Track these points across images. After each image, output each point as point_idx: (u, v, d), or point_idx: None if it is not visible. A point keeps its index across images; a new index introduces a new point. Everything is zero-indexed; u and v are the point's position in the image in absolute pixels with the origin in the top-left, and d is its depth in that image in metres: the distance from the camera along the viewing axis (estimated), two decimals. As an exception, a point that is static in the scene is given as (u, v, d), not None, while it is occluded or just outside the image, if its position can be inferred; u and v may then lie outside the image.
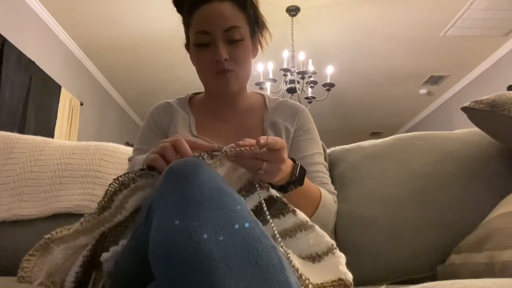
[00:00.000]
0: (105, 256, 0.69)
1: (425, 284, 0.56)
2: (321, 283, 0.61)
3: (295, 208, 0.70)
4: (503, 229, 0.78)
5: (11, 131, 1.34)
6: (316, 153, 1.01)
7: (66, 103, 4.02)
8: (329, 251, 0.66)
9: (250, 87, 1.09)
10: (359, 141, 1.25)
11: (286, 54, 3.66)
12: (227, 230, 0.48)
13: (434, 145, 1.14)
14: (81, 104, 4.37)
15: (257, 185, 0.70)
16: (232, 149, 0.68)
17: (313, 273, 0.62)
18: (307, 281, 0.58)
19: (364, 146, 1.21)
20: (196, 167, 0.56)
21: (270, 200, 0.70)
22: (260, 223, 0.52)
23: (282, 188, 0.77)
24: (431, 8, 3.64)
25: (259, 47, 1.03)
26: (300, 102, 1.16)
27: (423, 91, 5.48)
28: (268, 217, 0.66)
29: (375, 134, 7.28)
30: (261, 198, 0.68)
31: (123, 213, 0.72)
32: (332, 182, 1.02)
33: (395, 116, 6.54)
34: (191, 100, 1.09)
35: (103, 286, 0.72)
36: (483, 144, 1.11)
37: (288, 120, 1.03)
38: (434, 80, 5.16)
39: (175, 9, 0.99)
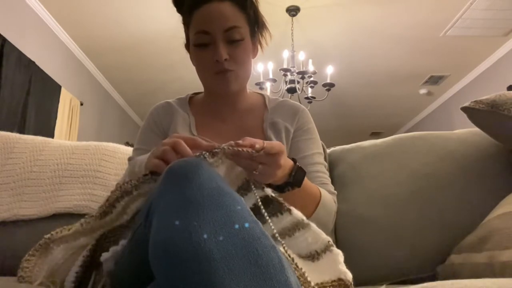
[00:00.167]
0: (105, 256, 0.69)
1: (425, 284, 0.56)
2: (321, 283, 0.61)
3: (290, 207, 0.70)
4: (503, 229, 0.78)
5: (11, 131, 1.34)
6: (316, 153, 1.01)
7: (66, 103, 4.02)
8: (326, 248, 0.66)
9: (250, 87, 1.09)
10: (359, 141, 1.25)
11: (286, 54, 3.66)
12: (227, 230, 0.48)
13: (434, 145, 1.14)
14: (81, 104, 4.37)
15: (252, 184, 0.70)
16: (231, 147, 0.68)
17: (313, 273, 0.62)
18: (308, 279, 0.58)
19: (364, 146, 1.21)
20: (196, 167, 0.56)
21: (266, 199, 0.71)
22: (260, 223, 0.52)
23: (278, 188, 0.77)
24: (431, 8, 3.64)
25: (259, 47, 1.03)
26: (300, 102, 1.16)
27: (423, 91, 5.48)
28: (266, 216, 0.66)
29: (375, 134, 7.28)
30: (257, 197, 0.69)
31: (125, 218, 0.72)
32: (332, 182, 1.02)
33: (395, 116, 6.54)
34: (191, 100, 1.09)
35: (103, 286, 0.72)
36: (483, 144, 1.11)
37: (288, 120, 1.03)
38: (434, 80, 5.16)
39: (175, 9, 0.99)
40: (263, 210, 0.66)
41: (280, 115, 1.03)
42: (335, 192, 1.00)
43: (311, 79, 3.78)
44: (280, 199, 0.71)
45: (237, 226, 0.49)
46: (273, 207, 0.71)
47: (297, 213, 0.70)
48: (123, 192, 0.70)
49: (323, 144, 1.13)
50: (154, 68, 4.79)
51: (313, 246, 0.67)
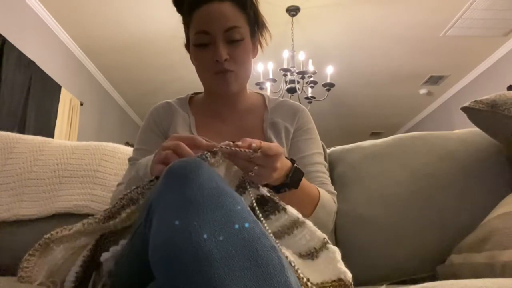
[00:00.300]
0: (105, 256, 0.69)
1: (425, 284, 0.56)
2: (321, 283, 0.61)
3: (286, 206, 0.70)
4: (503, 229, 0.78)
5: (11, 131, 1.34)
6: (316, 153, 1.01)
7: (66, 103, 4.02)
8: (322, 245, 0.66)
9: (250, 87, 1.09)
10: (359, 141, 1.25)
11: (286, 54, 3.66)
12: (227, 230, 0.48)
13: (434, 145, 1.14)
14: (81, 104, 4.37)
15: (247, 184, 0.71)
16: (228, 147, 0.68)
17: (312, 273, 0.62)
18: (306, 281, 0.58)
19: (364, 146, 1.21)
20: (196, 167, 0.56)
21: (262, 199, 0.71)
22: (260, 223, 0.52)
23: (275, 189, 0.77)
24: (431, 8, 3.64)
25: (259, 47, 1.03)
26: (300, 102, 1.16)
27: (423, 91, 5.48)
28: (260, 216, 0.66)
29: (375, 134, 7.28)
30: (252, 197, 0.69)
31: (128, 223, 0.72)
32: (332, 182, 1.02)
33: (395, 116, 6.54)
34: (191, 100, 1.09)
35: (103, 286, 0.72)
36: (483, 144, 1.11)
37: (287, 120, 1.03)
38: (434, 80, 5.16)
39: (175, 9, 0.99)
40: (258, 211, 0.66)
41: (280, 115, 1.03)
42: (335, 192, 1.00)
43: (311, 79, 3.78)
44: (276, 198, 0.71)
45: (237, 226, 0.49)
46: (270, 206, 0.71)
47: (292, 211, 0.70)
48: (129, 200, 0.70)
49: (323, 144, 1.13)
50: (154, 68, 4.79)
51: (311, 243, 0.68)
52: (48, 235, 0.73)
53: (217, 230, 0.48)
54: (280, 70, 3.68)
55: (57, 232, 0.73)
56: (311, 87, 3.91)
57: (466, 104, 1.02)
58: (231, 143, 0.69)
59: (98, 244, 0.74)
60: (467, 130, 1.19)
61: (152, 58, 4.55)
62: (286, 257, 0.61)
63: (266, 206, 0.70)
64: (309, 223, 0.69)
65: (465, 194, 1.03)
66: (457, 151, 1.11)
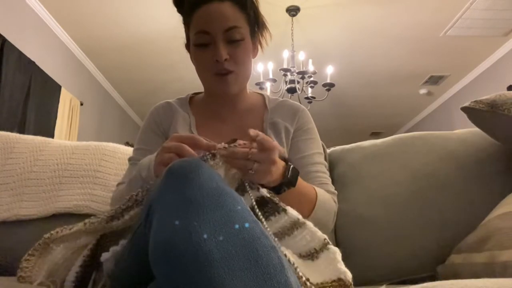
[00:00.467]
0: (105, 256, 0.69)
1: (425, 284, 0.56)
2: (321, 283, 0.61)
3: (286, 207, 0.71)
4: (503, 229, 0.78)
5: (11, 131, 1.34)
6: (316, 153, 1.01)
7: (66, 103, 4.02)
8: (323, 246, 0.66)
9: (250, 87, 1.09)
10: (359, 141, 1.25)
11: (286, 54, 3.66)
12: (227, 230, 0.48)
13: (434, 145, 1.14)
14: (81, 104, 4.37)
15: (247, 185, 0.71)
16: (225, 147, 0.68)
17: (312, 273, 0.62)
18: (306, 281, 0.58)
19: (364, 146, 1.21)
20: (196, 167, 0.56)
21: (262, 200, 0.71)
22: (260, 223, 0.52)
23: (275, 190, 0.77)
24: (431, 8, 3.64)
25: (259, 47, 1.03)
26: (300, 102, 1.16)
27: (423, 91, 5.48)
28: (261, 218, 0.66)
29: (375, 134, 7.28)
30: (252, 199, 0.69)
31: (129, 224, 0.72)
32: (332, 182, 1.02)
33: (395, 116, 6.54)
34: (191, 100, 1.09)
35: (103, 286, 0.72)
36: (483, 144, 1.11)
37: (287, 120, 1.03)
38: (434, 80, 5.16)
39: (175, 9, 0.99)
40: (258, 212, 0.66)
41: (280, 115, 1.03)
42: (335, 192, 1.00)
43: (311, 79, 3.78)
44: (276, 199, 0.71)
45: (237, 226, 0.49)
46: (270, 207, 0.71)
47: (292, 212, 0.70)
48: (133, 202, 0.70)
49: (323, 144, 1.13)
50: (154, 68, 4.79)
51: (311, 244, 0.67)
52: (47, 235, 0.73)
53: (217, 230, 0.48)
54: (280, 70, 3.68)
55: (57, 232, 0.73)
56: (311, 87, 3.91)
57: (466, 104, 1.02)
58: (226, 145, 0.69)
59: (98, 244, 0.74)
60: (467, 130, 1.19)
61: (152, 58, 4.55)
62: (286, 256, 0.61)
63: (266, 208, 0.70)
64: (309, 224, 0.69)
65: (465, 194, 1.03)
66: (457, 151, 1.11)
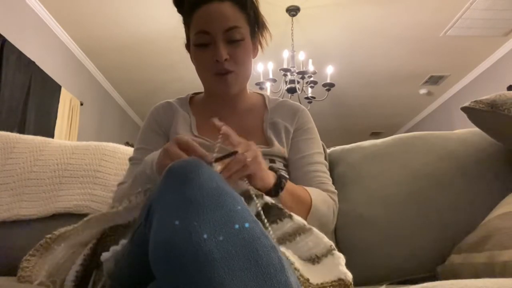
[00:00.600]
0: (105, 255, 0.69)
1: (425, 284, 0.56)
2: (321, 283, 0.61)
3: (291, 213, 0.71)
4: (503, 229, 0.78)
5: (11, 131, 1.34)
6: (316, 153, 1.01)
7: (66, 103, 4.02)
8: (328, 252, 0.66)
9: (250, 87, 1.09)
10: (359, 141, 1.25)
11: (286, 54, 3.66)
12: (227, 230, 0.48)
13: (434, 145, 1.14)
14: (81, 104, 4.37)
15: (253, 194, 0.71)
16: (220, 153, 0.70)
17: (313, 274, 0.62)
18: (306, 281, 0.58)
19: (364, 146, 1.21)
20: (196, 167, 0.56)
21: (266, 207, 0.71)
22: (260, 223, 0.52)
23: (271, 194, 0.78)
24: (431, 8, 3.64)
25: (259, 47, 1.03)
26: (300, 102, 1.16)
27: (423, 91, 5.48)
28: (267, 224, 0.66)
29: (375, 134, 7.28)
30: (259, 207, 0.69)
31: (128, 218, 0.72)
32: (332, 182, 1.02)
33: (395, 116, 6.54)
34: (192, 100, 1.09)
35: (103, 286, 0.72)
36: (483, 144, 1.11)
37: (287, 120, 1.03)
38: (434, 80, 5.16)
39: (175, 9, 0.99)
40: (265, 219, 0.67)
41: (280, 115, 1.03)
42: (336, 191, 1.00)
43: (311, 79, 3.78)
44: (280, 205, 0.72)
45: (237, 226, 0.49)
46: (273, 214, 0.71)
47: (298, 219, 0.70)
48: (140, 191, 0.71)
49: (323, 144, 1.13)
50: (154, 68, 4.79)
51: (313, 250, 0.67)
52: (49, 235, 0.73)
53: (217, 230, 0.48)
54: (280, 70, 3.68)
55: (59, 231, 0.73)
56: (311, 87, 3.91)
57: (466, 104, 1.02)
58: (218, 147, 0.71)
59: (98, 243, 0.74)
60: (467, 130, 1.19)
61: (152, 58, 4.55)
62: (286, 257, 0.61)
63: (269, 215, 0.71)
64: (316, 230, 0.69)
65: (465, 194, 1.03)
66: (457, 151, 1.11)
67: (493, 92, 1.06)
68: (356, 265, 0.73)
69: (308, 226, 0.70)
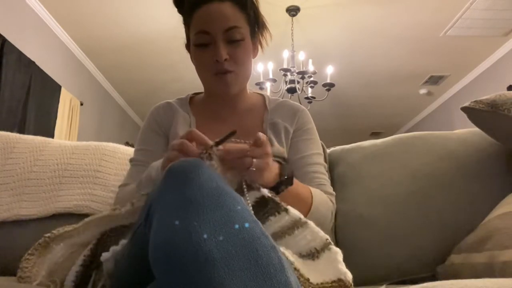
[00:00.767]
0: (105, 256, 0.69)
1: (425, 284, 0.56)
2: (321, 283, 0.61)
3: (287, 206, 0.71)
4: (503, 229, 0.78)
5: (11, 131, 1.34)
6: (315, 154, 1.01)
7: (66, 103, 4.02)
8: (325, 246, 0.66)
9: (250, 87, 1.09)
10: (359, 141, 1.25)
11: (286, 54, 3.66)
12: (227, 230, 0.48)
13: (434, 145, 1.14)
14: (81, 104, 4.37)
15: (244, 187, 0.71)
16: (221, 147, 0.69)
17: (313, 273, 0.62)
18: (306, 281, 0.58)
19: (364, 146, 1.21)
20: (196, 167, 0.56)
21: (262, 200, 0.71)
22: (260, 223, 0.52)
23: (273, 190, 0.78)
24: (431, 8, 3.64)
25: (259, 47, 1.03)
26: (300, 102, 1.16)
27: (423, 91, 5.48)
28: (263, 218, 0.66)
29: (375, 134, 7.28)
30: (249, 202, 0.69)
31: (129, 220, 0.72)
32: (332, 182, 1.02)
33: (395, 116, 6.54)
34: (192, 100, 1.09)
35: (103, 286, 0.72)
36: (483, 144, 1.11)
37: (287, 121, 1.03)
38: (434, 80, 5.16)
39: (175, 9, 0.99)
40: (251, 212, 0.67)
41: (280, 116, 1.03)
42: (334, 193, 1.00)
43: (311, 79, 3.78)
44: (277, 198, 0.71)
45: (237, 226, 0.49)
46: (270, 208, 0.71)
47: (294, 212, 0.70)
48: (144, 194, 0.71)
49: (323, 144, 1.13)
50: (154, 68, 4.79)
51: (312, 244, 0.67)
52: (48, 234, 0.73)
53: (217, 230, 0.48)
54: (280, 70, 3.68)
55: (58, 231, 0.73)
56: (311, 87, 3.91)
57: (466, 104, 1.02)
58: (218, 140, 0.70)
59: (98, 243, 0.74)
60: (467, 130, 1.19)
61: (152, 58, 4.55)
62: (286, 257, 0.61)
63: (266, 208, 0.70)
64: (311, 223, 0.69)
65: (465, 194, 1.03)
66: (457, 151, 1.11)
67: (493, 92, 1.06)
68: (356, 265, 0.73)
69: (303, 219, 0.70)
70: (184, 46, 1.02)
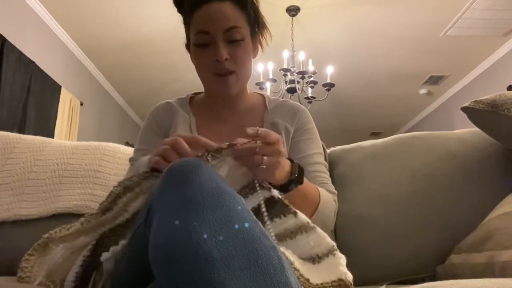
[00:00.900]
0: (105, 256, 0.70)
1: (425, 284, 0.56)
2: (321, 283, 0.61)
3: (296, 210, 0.70)
4: (503, 229, 0.78)
5: (11, 131, 1.34)
6: (316, 153, 1.01)
7: (66, 103, 4.02)
8: (329, 252, 0.66)
9: (250, 87, 1.09)
10: (359, 141, 1.25)
11: (286, 54, 3.66)
12: (227, 230, 0.48)
13: (434, 145, 1.14)
14: (81, 104, 4.37)
15: (257, 185, 0.70)
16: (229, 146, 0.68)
17: (313, 274, 0.62)
18: (306, 281, 0.58)
19: (364, 146, 1.21)
20: (196, 167, 0.56)
21: (271, 201, 0.70)
22: (260, 223, 0.52)
23: (282, 188, 0.77)
24: (431, 8, 3.64)
25: (259, 47, 1.03)
26: (300, 102, 1.16)
27: (423, 91, 5.48)
28: (266, 218, 0.66)
29: (375, 134, 7.28)
30: (261, 199, 0.69)
31: (125, 215, 0.72)
32: (332, 182, 1.02)
33: (395, 116, 6.54)
34: (192, 100, 1.09)
35: (103, 286, 0.72)
36: (483, 144, 1.11)
37: (287, 120, 1.03)
38: (434, 80, 5.16)
39: (175, 9, 0.99)
40: (264, 210, 0.66)
41: (280, 116, 1.03)
42: (335, 191, 1.00)
43: (311, 79, 3.78)
44: (286, 201, 0.71)
45: (237, 226, 0.49)
46: (277, 209, 0.70)
47: (302, 216, 0.70)
48: (124, 188, 0.70)
49: (323, 144, 1.13)
50: (154, 68, 4.79)
51: (315, 250, 0.67)
52: (47, 235, 0.73)
53: (217, 230, 0.48)
54: (280, 70, 3.68)
55: (55, 232, 0.73)
56: (311, 87, 3.91)
57: (466, 104, 1.02)
58: (227, 144, 0.69)
59: (98, 243, 0.74)
60: (467, 130, 1.19)
61: (152, 58, 4.55)
62: (286, 257, 0.61)
63: (272, 209, 0.70)
64: (319, 229, 0.69)
65: (465, 194, 1.03)
66: (457, 151, 1.11)
67: (493, 92, 1.06)
68: (356, 265, 0.73)
69: (311, 224, 0.69)
70: (184, 46, 1.02)
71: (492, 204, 0.92)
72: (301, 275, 0.60)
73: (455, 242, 0.91)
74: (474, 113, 1.02)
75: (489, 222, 0.86)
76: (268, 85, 3.80)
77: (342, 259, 0.65)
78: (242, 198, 0.56)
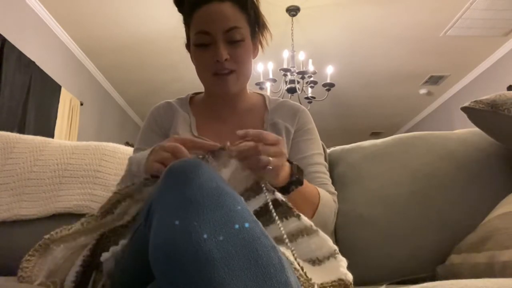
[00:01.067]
0: (105, 256, 0.69)
1: (425, 284, 0.56)
2: (321, 284, 0.61)
3: (300, 213, 0.70)
4: (503, 229, 0.78)
5: (11, 131, 1.34)
6: (316, 154, 1.01)
7: (66, 103, 4.02)
8: (331, 255, 0.66)
9: (250, 87, 1.09)
10: (359, 141, 1.25)
11: (286, 54, 3.66)
12: (227, 230, 0.48)
13: (434, 145, 1.14)
14: (81, 104, 4.37)
15: (263, 187, 0.70)
16: (233, 146, 0.68)
17: (313, 274, 0.62)
18: (310, 281, 0.58)
19: (364, 146, 1.21)
20: (196, 167, 0.56)
21: (274, 203, 0.70)
22: (260, 223, 0.52)
23: (283, 190, 0.77)
24: (431, 8, 3.64)
25: (259, 47, 1.03)
26: (300, 102, 1.16)
27: (423, 91, 5.48)
28: (276, 218, 0.65)
29: (375, 134, 7.28)
30: (268, 199, 0.68)
31: (125, 218, 0.72)
32: (332, 182, 1.02)
33: (395, 116, 6.54)
34: (192, 100, 1.09)
35: (103, 286, 0.72)
36: (483, 144, 1.11)
37: (288, 121, 1.03)
38: (434, 80, 5.16)
39: (175, 9, 0.99)
40: (272, 209, 0.66)
41: (280, 116, 1.03)
42: (335, 192, 1.00)
43: (311, 79, 3.78)
44: (290, 204, 0.71)
45: (237, 226, 0.49)
46: (280, 211, 0.70)
47: (305, 219, 0.70)
48: (125, 195, 0.70)
49: (323, 144, 1.13)
50: (154, 68, 4.79)
51: (316, 253, 0.67)
52: (48, 236, 0.73)
53: (217, 230, 0.48)
54: (280, 70, 3.68)
55: (56, 233, 0.73)
56: (311, 87, 3.91)
57: (466, 104, 1.02)
58: (228, 144, 0.69)
59: (98, 244, 0.74)
60: (467, 130, 1.19)
61: (152, 58, 4.55)
62: (286, 257, 0.61)
63: (275, 211, 0.70)
64: (321, 233, 0.69)
65: (465, 194, 1.03)
66: (457, 151, 1.11)
67: (493, 92, 1.06)
68: (356, 265, 0.73)
69: (314, 228, 0.69)
70: (184, 46, 1.02)
71: (492, 204, 0.92)
72: (301, 275, 0.60)
73: (455, 242, 0.91)
74: (474, 113, 1.01)
75: (489, 222, 0.86)
76: (268, 85, 3.80)
77: (343, 261, 0.65)
78: (242, 198, 0.56)
